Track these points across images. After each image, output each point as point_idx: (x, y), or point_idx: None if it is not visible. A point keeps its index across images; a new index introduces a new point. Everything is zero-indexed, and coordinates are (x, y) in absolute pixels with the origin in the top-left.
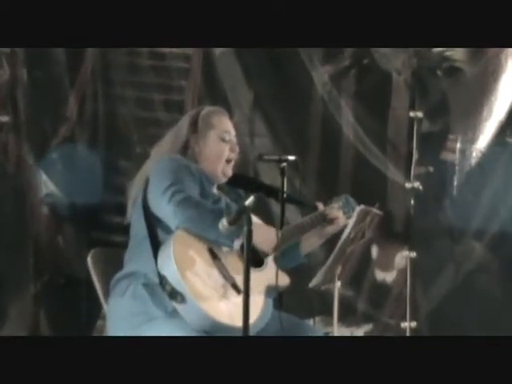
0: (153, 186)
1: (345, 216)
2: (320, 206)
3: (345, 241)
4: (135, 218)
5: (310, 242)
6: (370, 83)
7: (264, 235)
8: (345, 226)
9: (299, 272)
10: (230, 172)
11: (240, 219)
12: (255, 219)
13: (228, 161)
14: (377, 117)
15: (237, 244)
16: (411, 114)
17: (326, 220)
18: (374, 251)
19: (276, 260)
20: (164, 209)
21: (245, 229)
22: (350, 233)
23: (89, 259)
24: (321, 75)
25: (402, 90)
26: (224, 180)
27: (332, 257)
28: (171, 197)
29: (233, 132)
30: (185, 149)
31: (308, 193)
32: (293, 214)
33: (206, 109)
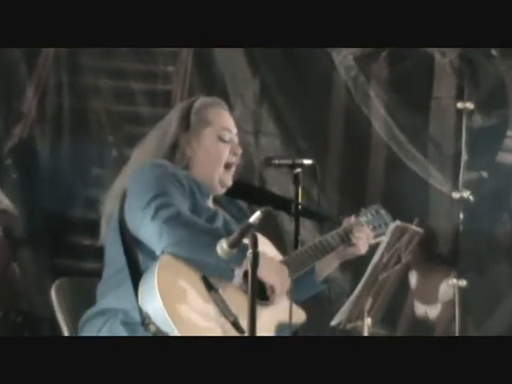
0: (132, 200)
1: (374, 233)
2: (344, 221)
3: (376, 266)
4: (110, 240)
5: (327, 263)
6: (407, 67)
7: (271, 269)
8: (375, 247)
9: (318, 305)
10: (229, 180)
11: (243, 240)
12: (262, 240)
13: (228, 166)
14: (415, 109)
15: (238, 274)
16: (459, 105)
17: (351, 239)
18: (413, 279)
19: (288, 292)
20: (146, 228)
21: (249, 253)
22: (382, 256)
23: (52, 292)
24: (344, 57)
25: (448, 76)
26: (222, 190)
27: (360, 287)
28: (155, 213)
29: (234, 130)
30: (173, 152)
31: (328, 205)
32: (310, 232)
33: (200, 100)
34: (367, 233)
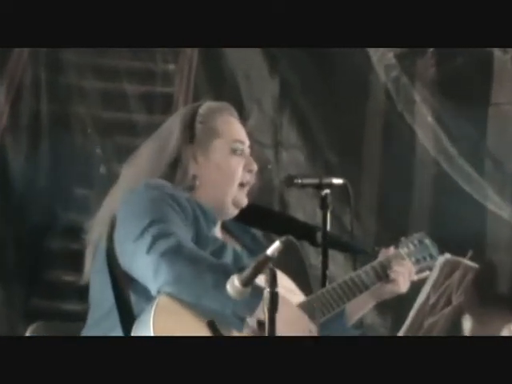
0: (123, 228)
1: (418, 268)
2: (381, 253)
3: (421, 309)
4: (96, 277)
5: (360, 304)
6: (459, 66)
7: (291, 323)
8: (419, 286)
9: None
10: (244, 199)
11: (257, 276)
12: (282, 278)
13: (242, 185)
14: (470, 117)
15: (251, 321)
16: None
17: (389, 275)
18: (467, 325)
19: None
20: (140, 263)
21: (267, 292)
22: (428, 296)
23: None
24: (383, 54)
25: (510, 76)
26: (235, 212)
27: (402, 332)
28: (151, 244)
29: (247, 141)
30: (173, 169)
31: (363, 234)
32: (340, 267)
33: (206, 106)
34: (409, 267)
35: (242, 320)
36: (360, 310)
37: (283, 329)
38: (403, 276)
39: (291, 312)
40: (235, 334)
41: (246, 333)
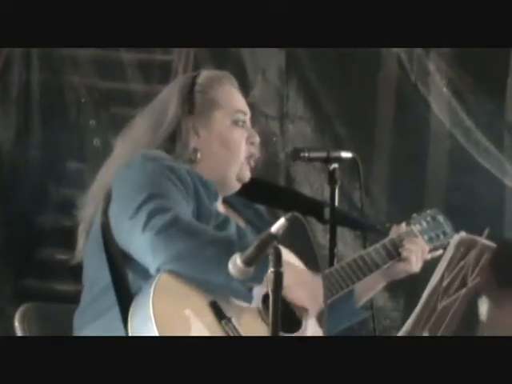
0: (118, 205)
1: (431, 246)
2: (392, 230)
3: (434, 291)
4: (91, 255)
5: (370, 284)
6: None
7: (302, 283)
8: (433, 266)
9: None
10: (248, 173)
11: (262, 256)
12: (288, 255)
13: (245, 158)
14: (488, 89)
15: (257, 295)
16: None
17: (400, 253)
18: (484, 308)
19: (321, 320)
20: (137, 241)
21: (271, 272)
22: (442, 278)
23: (16, 319)
24: None
25: None
26: (238, 186)
27: (413, 317)
28: (147, 221)
29: (248, 112)
30: (171, 141)
31: (374, 210)
32: (349, 246)
33: (204, 75)
34: (421, 245)
35: (249, 291)
36: (370, 291)
37: (296, 294)
38: (416, 255)
39: (303, 275)
40: (240, 309)
41: (252, 304)
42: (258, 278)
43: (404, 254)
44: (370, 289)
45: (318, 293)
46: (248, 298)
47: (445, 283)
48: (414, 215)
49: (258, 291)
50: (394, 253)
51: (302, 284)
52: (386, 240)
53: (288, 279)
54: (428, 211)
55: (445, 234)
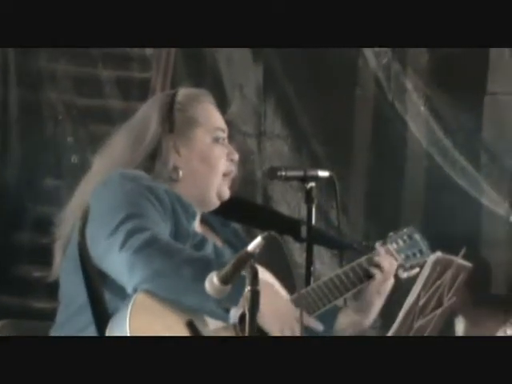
0: (95, 223)
1: (408, 265)
2: (378, 247)
3: (410, 310)
4: (67, 273)
5: (351, 319)
6: (454, 52)
7: (276, 312)
8: (409, 286)
9: None
10: (227, 191)
11: (239, 275)
12: (264, 274)
13: (225, 175)
14: (465, 108)
15: (234, 315)
16: None
17: (369, 273)
18: (460, 328)
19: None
20: (114, 260)
21: (247, 290)
22: (418, 297)
23: None
24: None
25: (507, 64)
26: (217, 204)
27: (390, 334)
28: (125, 240)
29: (226, 129)
30: (151, 160)
31: (351, 228)
32: (326, 265)
33: (182, 93)
34: (389, 260)
35: (227, 311)
36: (350, 328)
37: (270, 323)
38: (381, 269)
39: (277, 302)
40: (220, 326)
41: (230, 323)
42: (234, 300)
43: (372, 271)
44: (351, 325)
45: (289, 322)
46: (224, 318)
47: (421, 302)
48: (391, 234)
49: (235, 311)
50: (371, 271)
51: (276, 313)
52: (363, 259)
53: (263, 308)
54: (404, 230)
55: (421, 252)
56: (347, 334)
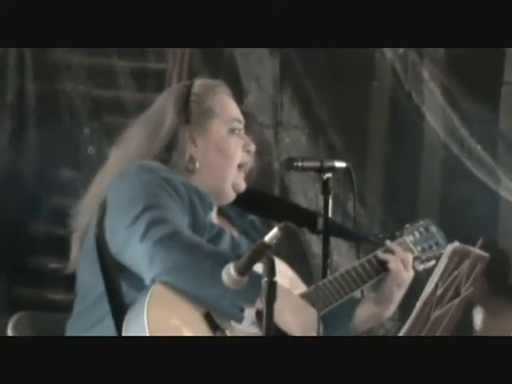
0: (114, 215)
1: (425, 257)
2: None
3: (427, 301)
4: (85, 264)
5: (368, 313)
6: None
7: (293, 309)
8: (426, 276)
9: None
10: (243, 183)
11: (254, 265)
12: (281, 266)
13: (240, 166)
14: (482, 97)
15: (250, 312)
16: None
17: (384, 266)
18: (478, 318)
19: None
20: (134, 251)
21: (264, 281)
22: (435, 288)
23: (9, 328)
24: None
25: None
26: (234, 196)
27: (407, 327)
28: (146, 231)
29: (243, 120)
30: (168, 151)
31: (368, 220)
32: (344, 256)
33: (199, 84)
34: (401, 255)
35: (241, 311)
36: (370, 320)
37: (286, 322)
38: (395, 263)
39: (294, 302)
40: (233, 324)
41: (243, 325)
42: (250, 298)
43: (384, 263)
44: (370, 318)
45: (307, 321)
46: (238, 317)
47: (438, 293)
48: (407, 226)
49: (250, 311)
50: (380, 267)
51: (292, 311)
52: (379, 251)
53: (279, 305)
54: (421, 222)
55: (437, 244)
56: (366, 326)
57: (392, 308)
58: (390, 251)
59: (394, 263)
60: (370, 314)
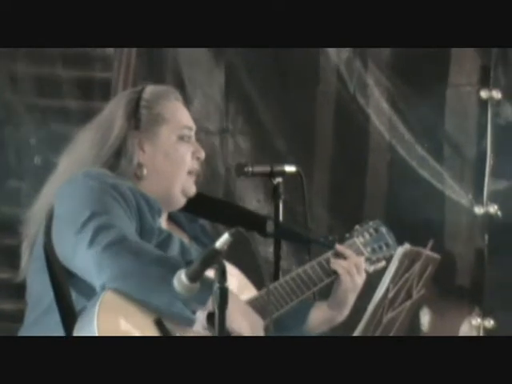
0: (61, 222)
1: (375, 258)
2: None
3: (379, 303)
4: (34, 273)
5: (325, 314)
6: None
7: (245, 314)
8: (377, 279)
9: None
10: (193, 187)
11: (205, 271)
12: (232, 270)
13: (190, 173)
14: (427, 100)
15: (201, 315)
16: (482, 94)
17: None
18: (425, 319)
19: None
20: (82, 258)
21: (216, 288)
22: (387, 290)
23: None
24: None
25: (468, 57)
26: (183, 201)
27: (359, 330)
28: (93, 238)
29: (193, 127)
30: (116, 157)
31: (316, 223)
32: (294, 259)
33: (150, 90)
34: (354, 259)
35: (191, 314)
36: (323, 324)
37: (235, 322)
38: (347, 269)
39: (241, 306)
40: (186, 329)
41: (195, 328)
42: (202, 301)
43: (335, 268)
44: (324, 321)
45: (254, 323)
46: (190, 320)
47: (390, 295)
48: (357, 227)
49: (201, 314)
50: (330, 271)
51: (240, 313)
52: (329, 253)
53: (232, 308)
54: (370, 223)
55: (387, 245)
56: (320, 329)
57: (345, 311)
58: (342, 255)
59: (346, 268)
60: (324, 318)
